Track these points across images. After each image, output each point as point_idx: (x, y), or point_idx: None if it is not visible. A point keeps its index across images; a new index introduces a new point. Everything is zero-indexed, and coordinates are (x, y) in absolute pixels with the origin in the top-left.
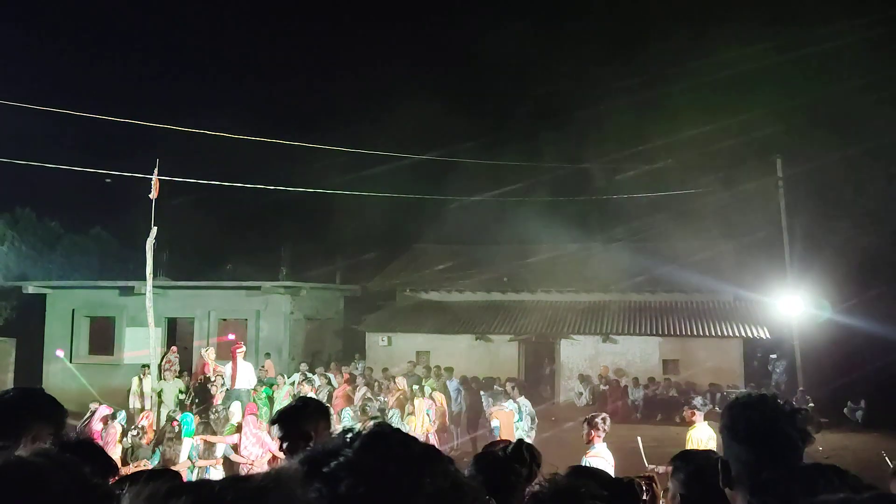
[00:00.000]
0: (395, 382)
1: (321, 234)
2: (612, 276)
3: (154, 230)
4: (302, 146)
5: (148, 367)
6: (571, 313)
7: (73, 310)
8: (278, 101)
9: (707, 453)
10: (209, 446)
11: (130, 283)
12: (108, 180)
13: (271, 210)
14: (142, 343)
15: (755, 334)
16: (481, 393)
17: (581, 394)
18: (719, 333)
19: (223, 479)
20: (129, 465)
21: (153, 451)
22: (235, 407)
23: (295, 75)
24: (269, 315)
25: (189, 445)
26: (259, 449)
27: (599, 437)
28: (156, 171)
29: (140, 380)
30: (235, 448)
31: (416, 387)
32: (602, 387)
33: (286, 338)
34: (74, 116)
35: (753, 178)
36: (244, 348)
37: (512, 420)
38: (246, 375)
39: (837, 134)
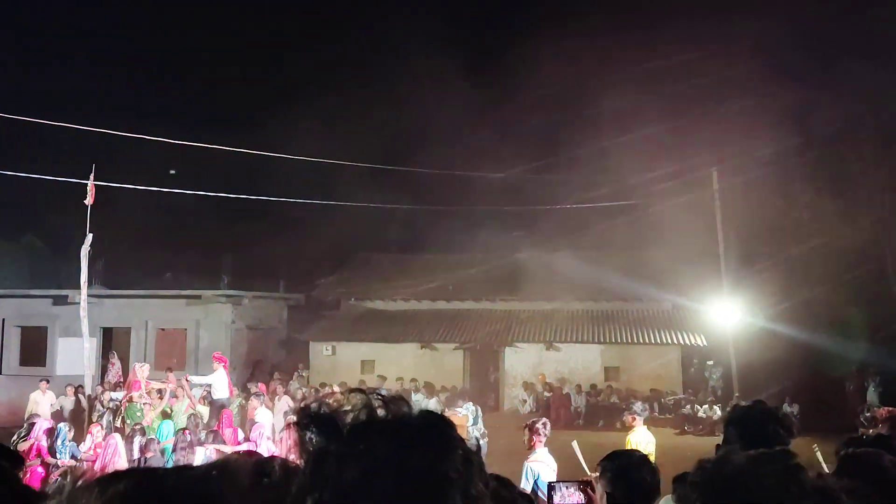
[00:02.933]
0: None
1: (264, 242)
2: (554, 285)
3: (89, 237)
4: (245, 153)
5: (47, 381)
6: (515, 321)
7: (3, 319)
8: (218, 105)
9: (630, 453)
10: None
11: (64, 292)
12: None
13: (212, 217)
14: (75, 354)
15: (693, 341)
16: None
17: (525, 401)
18: (659, 341)
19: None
20: None
21: (166, 462)
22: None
23: (231, 76)
24: (209, 324)
25: (203, 454)
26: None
27: (541, 441)
28: (91, 176)
29: (42, 394)
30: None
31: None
32: (545, 394)
33: (227, 348)
34: (6, 119)
35: (691, 190)
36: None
37: (465, 423)
38: (224, 386)
39: (771, 147)
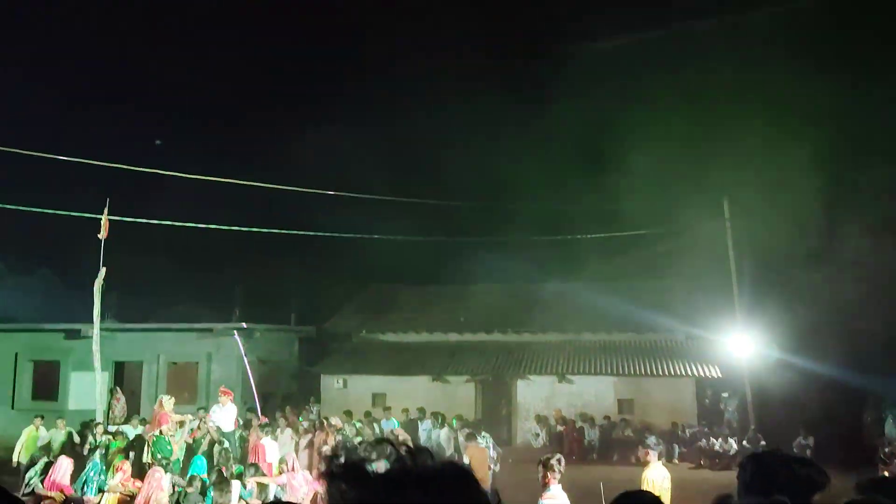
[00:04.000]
0: (327, 422)
1: (276, 274)
2: (567, 316)
3: (103, 271)
4: (256, 186)
5: (42, 417)
6: (527, 353)
7: (17, 353)
8: (230, 140)
9: (642, 494)
10: (262, 488)
11: (77, 326)
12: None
13: (224, 251)
14: (88, 388)
15: (707, 373)
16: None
17: (538, 435)
18: (673, 373)
19: None
20: None
21: (203, 498)
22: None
23: (244, 113)
24: (221, 358)
25: (238, 489)
26: (306, 487)
27: (555, 478)
28: (105, 210)
29: (35, 430)
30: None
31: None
32: (558, 427)
33: (239, 381)
34: (21, 154)
35: (703, 219)
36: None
37: (486, 456)
38: (230, 419)
39: (784, 176)
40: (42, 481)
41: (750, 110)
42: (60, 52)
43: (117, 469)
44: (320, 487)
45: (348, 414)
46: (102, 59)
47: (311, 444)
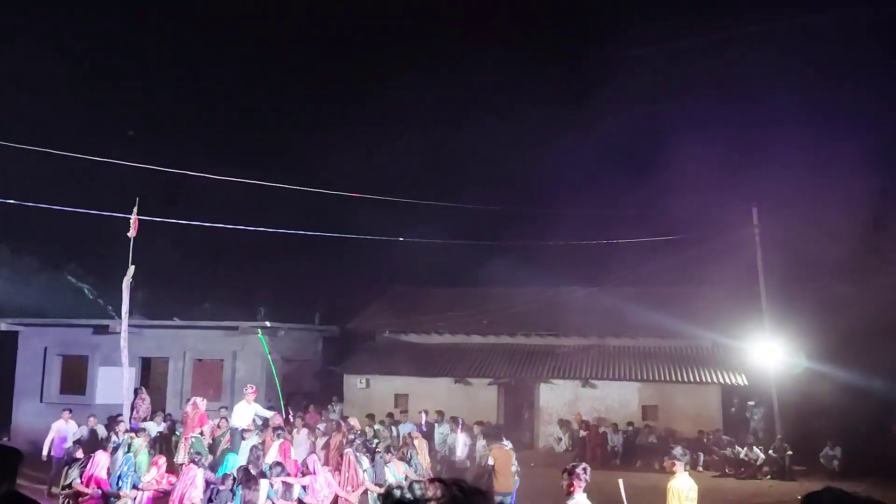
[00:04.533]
0: (345, 423)
1: (301, 274)
2: (591, 321)
3: (132, 269)
4: (282, 187)
5: (70, 410)
6: (550, 357)
7: (46, 348)
8: (258, 141)
9: None
10: (287, 488)
11: (105, 322)
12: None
13: (250, 250)
14: (115, 383)
15: (733, 381)
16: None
17: (560, 439)
18: (698, 380)
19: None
20: None
21: (234, 496)
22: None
23: (270, 113)
24: (246, 356)
25: (266, 488)
26: (327, 489)
27: (580, 487)
28: (135, 209)
29: (64, 423)
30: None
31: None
32: (581, 432)
33: (262, 379)
34: (53, 154)
35: (731, 226)
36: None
37: (510, 458)
38: (247, 417)
39: (813, 182)
40: (80, 476)
41: (782, 116)
42: (94, 52)
43: (152, 464)
44: (341, 490)
45: (370, 416)
46: (134, 59)
47: (327, 445)
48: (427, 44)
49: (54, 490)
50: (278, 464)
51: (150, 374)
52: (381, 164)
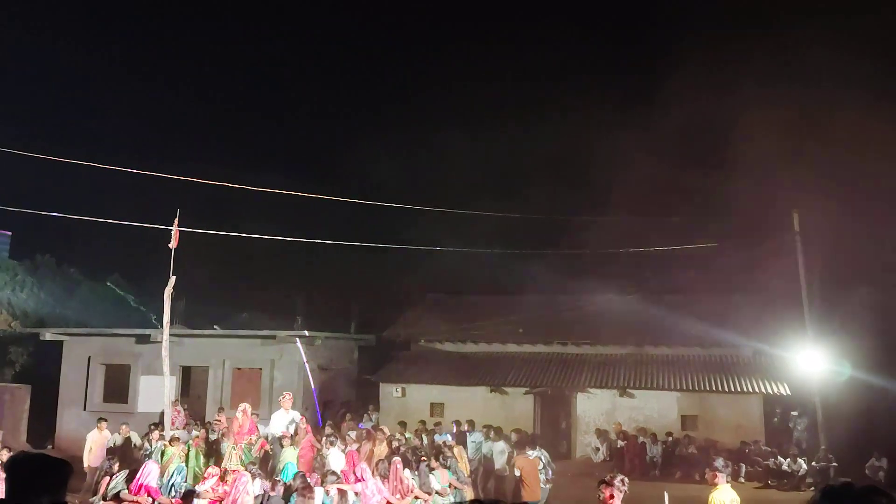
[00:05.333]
0: (381, 432)
1: (337, 283)
2: (628, 330)
3: (172, 279)
4: (317, 198)
5: (105, 419)
6: (587, 366)
7: (89, 357)
8: (294, 152)
9: None
10: (343, 495)
11: (147, 332)
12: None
13: (287, 259)
14: (156, 392)
15: (775, 390)
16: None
17: (598, 449)
18: (739, 389)
19: None
20: None
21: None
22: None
23: (309, 125)
24: (283, 364)
25: (322, 496)
26: (378, 496)
27: (619, 498)
28: (176, 221)
29: (99, 432)
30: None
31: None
32: (620, 442)
33: (300, 388)
34: (97, 168)
35: (772, 233)
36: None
37: (536, 467)
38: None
39: (855, 188)
40: (128, 485)
41: (824, 121)
42: (139, 64)
43: (207, 475)
44: (391, 497)
45: (402, 424)
46: (179, 73)
47: (358, 453)
48: (456, 48)
49: (90, 499)
50: (332, 472)
51: (191, 383)
52: (418, 173)
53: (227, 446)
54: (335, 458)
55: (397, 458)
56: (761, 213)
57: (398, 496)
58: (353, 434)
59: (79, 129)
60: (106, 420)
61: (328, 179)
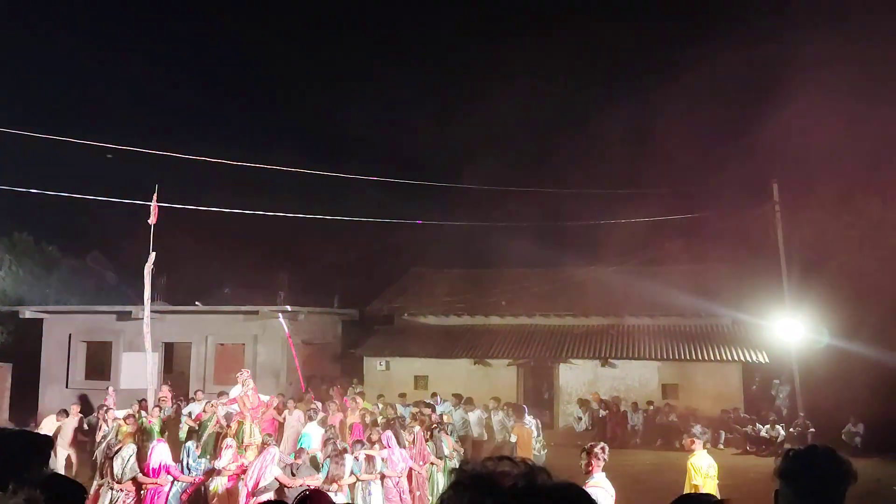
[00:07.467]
0: (354, 402)
1: (319, 257)
2: (610, 301)
3: (153, 255)
4: (299, 171)
5: (66, 411)
6: (569, 337)
7: (70, 334)
8: (277, 128)
9: (703, 497)
10: (370, 460)
11: (128, 308)
12: (108, 155)
13: (269, 235)
14: (138, 368)
15: (754, 359)
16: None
17: (580, 419)
18: (718, 358)
19: None
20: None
21: (320, 469)
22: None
23: (289, 99)
24: (266, 339)
25: (351, 462)
26: (403, 463)
27: (599, 466)
28: (154, 196)
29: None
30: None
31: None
32: (601, 412)
33: (284, 363)
34: (75, 143)
35: (751, 203)
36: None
37: (531, 436)
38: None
39: (834, 158)
40: (140, 469)
41: (801, 91)
42: (114, 39)
43: (224, 448)
44: (414, 464)
45: (380, 398)
46: (157, 47)
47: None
48: (440, 24)
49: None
50: (359, 440)
51: (174, 359)
52: (399, 147)
53: (246, 424)
54: (313, 431)
55: (418, 428)
56: (741, 182)
57: (420, 462)
58: (333, 405)
59: (56, 103)
60: (66, 411)
61: (311, 154)
